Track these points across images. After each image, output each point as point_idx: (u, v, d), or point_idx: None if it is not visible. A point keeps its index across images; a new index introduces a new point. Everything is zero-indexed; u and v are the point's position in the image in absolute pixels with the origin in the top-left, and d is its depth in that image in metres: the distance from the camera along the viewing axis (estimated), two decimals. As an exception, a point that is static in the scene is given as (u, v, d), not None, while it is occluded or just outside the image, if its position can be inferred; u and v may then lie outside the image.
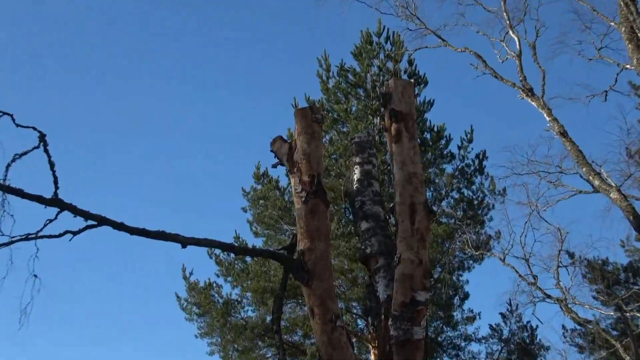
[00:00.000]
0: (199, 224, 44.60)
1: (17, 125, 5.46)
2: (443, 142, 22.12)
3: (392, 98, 5.91)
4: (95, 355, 41.82)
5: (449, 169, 22.26)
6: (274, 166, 5.98)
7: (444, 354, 23.39)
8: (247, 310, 23.22)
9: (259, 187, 22.96)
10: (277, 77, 53.73)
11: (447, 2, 34.87)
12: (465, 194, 22.36)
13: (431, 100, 22.12)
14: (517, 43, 20.61)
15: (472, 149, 22.24)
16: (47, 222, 5.23)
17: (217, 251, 22.85)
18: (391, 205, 6.00)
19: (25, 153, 5.38)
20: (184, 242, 5.37)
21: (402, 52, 21.95)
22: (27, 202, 5.20)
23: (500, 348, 24.51)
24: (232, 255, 22.43)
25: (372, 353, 21.29)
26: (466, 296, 23.39)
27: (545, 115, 19.09)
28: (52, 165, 5.37)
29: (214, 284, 23.14)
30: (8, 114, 5.45)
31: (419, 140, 8.66)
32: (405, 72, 21.83)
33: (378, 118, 21.05)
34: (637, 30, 17.05)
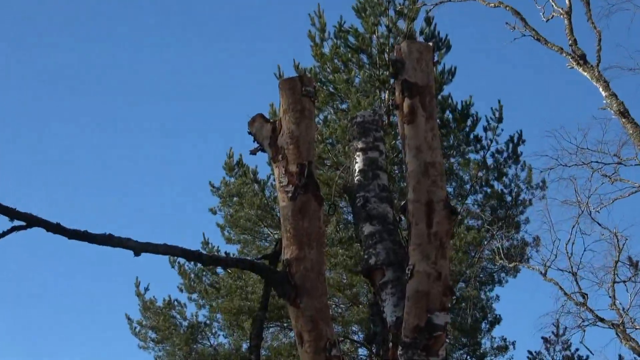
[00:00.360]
0: (156, 227, 44.59)
1: None
2: (469, 123, 22.12)
3: (405, 66, 5.91)
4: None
5: (476, 158, 22.25)
6: (253, 152, 5.97)
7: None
8: (218, 335, 23.30)
9: (232, 180, 22.91)
10: (257, 37, 53.65)
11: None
12: (496, 188, 22.37)
13: (454, 70, 22.11)
14: (567, -4, 20.69)
15: (503, 130, 22.20)
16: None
17: (181, 260, 22.89)
18: (402, 203, 6.00)
19: None
20: (137, 248, 5.36)
21: (417, 7, 21.95)
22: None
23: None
24: (200, 265, 22.46)
25: (376, 391, 21.37)
26: (497, 320, 23.45)
27: (600, 89, 19.16)
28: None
29: (176, 302, 23.19)
30: None
31: (438, 120, 8.66)
32: (421, 33, 21.84)
33: (387, 92, 21.06)
34: None
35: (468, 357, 23.41)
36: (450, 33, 21.67)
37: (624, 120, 18.52)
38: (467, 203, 22.21)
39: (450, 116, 22.07)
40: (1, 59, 53.82)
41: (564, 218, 30.58)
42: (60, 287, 46.88)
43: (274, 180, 5.78)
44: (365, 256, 6.44)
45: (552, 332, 24.82)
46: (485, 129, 22.07)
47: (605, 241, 22.55)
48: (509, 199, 22.39)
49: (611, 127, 25.32)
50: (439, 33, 21.98)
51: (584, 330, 22.35)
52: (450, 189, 21.86)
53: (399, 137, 5.33)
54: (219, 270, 22.74)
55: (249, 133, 5.93)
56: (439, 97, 21.46)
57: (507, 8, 21.05)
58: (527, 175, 22.64)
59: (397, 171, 20.74)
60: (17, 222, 5.24)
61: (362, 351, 22.64)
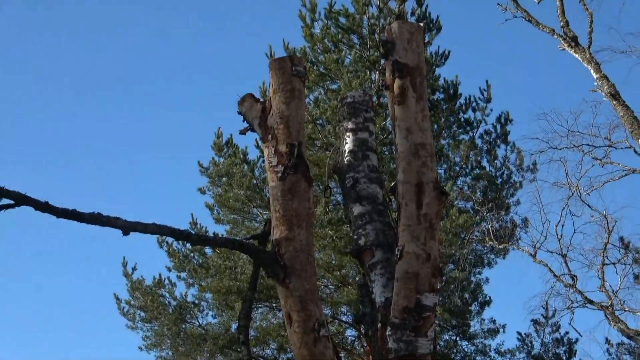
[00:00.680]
0: (145, 206, 44.56)
1: None
2: (459, 104, 22.12)
3: (396, 47, 5.90)
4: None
5: (466, 138, 22.25)
6: (242, 132, 5.96)
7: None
8: (207, 315, 23.32)
9: (221, 160, 22.87)
10: (247, 17, 53.51)
11: None
12: (487, 170, 22.41)
13: (445, 52, 22.10)
14: (558, -23, 20.65)
15: (492, 110, 22.23)
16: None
17: (169, 240, 22.89)
18: (392, 184, 6.01)
19: None
20: (126, 227, 5.36)
21: (408, -13, 21.90)
22: None
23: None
24: (188, 245, 22.45)
25: (365, 371, 21.41)
26: (487, 302, 23.51)
27: (591, 71, 19.16)
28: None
29: (165, 282, 23.17)
30: None
31: (428, 101, 8.66)
32: (412, 13, 21.80)
33: (377, 73, 21.03)
34: None
35: (457, 338, 23.47)
36: (441, 14, 21.69)
37: (614, 102, 18.52)
38: (458, 184, 22.23)
39: (441, 97, 22.07)
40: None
41: (554, 200, 30.71)
42: (47, 268, 46.89)
43: (264, 160, 5.77)
44: (355, 237, 6.43)
45: (542, 315, 24.90)
46: (474, 109, 22.09)
47: (595, 223, 22.63)
48: (499, 180, 22.43)
49: (602, 109, 25.39)
50: (430, 14, 21.98)
51: (573, 312, 22.47)
52: (440, 171, 21.88)
53: (389, 118, 5.32)
54: (208, 250, 22.75)
55: (239, 113, 5.91)
56: (430, 78, 21.44)
57: (499, -12, 21.03)
58: (517, 157, 22.68)
59: (386, 152, 20.73)
60: (5, 201, 5.22)
61: (351, 332, 22.70)
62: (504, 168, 22.57)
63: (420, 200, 5.64)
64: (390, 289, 5.89)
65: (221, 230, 23.33)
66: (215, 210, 23.13)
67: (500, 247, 21.98)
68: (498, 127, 22.33)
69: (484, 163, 22.48)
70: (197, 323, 23.11)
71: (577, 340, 24.87)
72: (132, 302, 23.38)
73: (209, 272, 22.13)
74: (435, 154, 5.93)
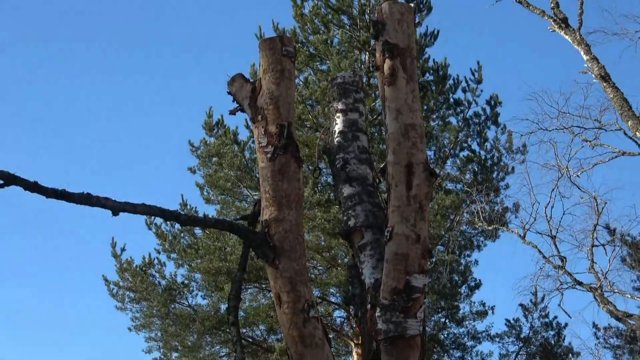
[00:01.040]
0: (135, 187, 44.49)
1: None
2: (449, 85, 22.12)
3: (386, 27, 5.90)
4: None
5: (456, 121, 22.27)
6: (232, 113, 5.95)
7: (446, 355, 23.65)
8: (196, 296, 23.34)
9: (212, 140, 22.86)
10: (238, -2, 53.33)
11: None
12: (477, 153, 22.44)
13: (435, 32, 22.09)
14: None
15: (482, 91, 22.24)
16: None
17: (159, 221, 22.88)
18: (382, 165, 6.00)
19: None
20: (115, 207, 5.35)
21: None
22: None
23: (517, 349, 24.82)
24: (178, 226, 22.44)
25: (354, 352, 21.47)
26: (477, 285, 23.60)
27: (582, 53, 19.14)
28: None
29: (154, 262, 23.17)
30: None
31: (418, 82, 8.65)
32: (403, -6, 21.73)
33: (367, 53, 21.01)
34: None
35: (447, 321, 23.56)
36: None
37: (604, 84, 18.52)
38: (447, 166, 22.27)
39: (431, 78, 22.07)
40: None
41: (544, 182, 30.74)
42: (37, 249, 46.82)
43: (254, 141, 5.76)
44: (344, 218, 6.43)
45: (530, 301, 25.01)
46: (464, 90, 22.10)
47: (584, 205, 22.69)
48: (489, 162, 22.46)
49: (593, 91, 25.38)
50: (420, -6, 21.94)
51: (562, 294, 22.54)
52: (430, 152, 21.90)
53: (379, 99, 5.33)
54: (198, 231, 22.76)
55: (229, 93, 5.89)
56: (420, 59, 21.43)
57: (489, -31, 20.99)
58: (508, 139, 22.71)
59: (376, 133, 20.74)
60: (-6, 181, 5.20)
61: (340, 313, 22.77)
62: (494, 150, 22.60)
63: (410, 181, 5.64)
64: (379, 270, 5.89)
65: (211, 210, 23.37)
66: (205, 191, 23.15)
67: (490, 228, 22.03)
68: (488, 109, 22.36)
69: (474, 146, 22.52)
70: (187, 304, 23.13)
71: (566, 325, 25.02)
72: (121, 284, 23.38)
73: (198, 252, 22.14)
74: (425, 135, 5.93)
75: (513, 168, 22.82)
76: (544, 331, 25.08)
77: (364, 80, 19.62)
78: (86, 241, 46.07)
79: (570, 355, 24.95)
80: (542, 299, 24.68)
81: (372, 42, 6.27)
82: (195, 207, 23.09)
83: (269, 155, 5.53)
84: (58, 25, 54.54)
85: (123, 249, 23.30)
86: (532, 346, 24.89)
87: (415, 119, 5.76)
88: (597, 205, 22.06)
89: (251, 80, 5.84)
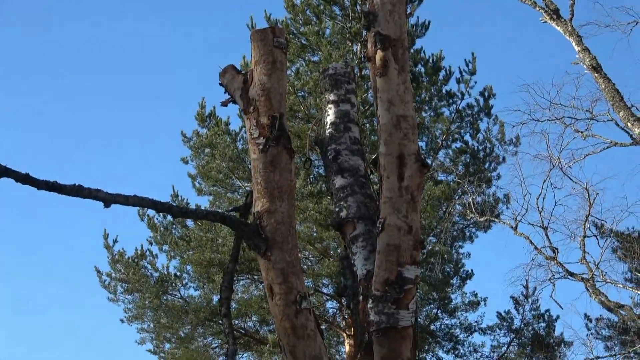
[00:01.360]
0: (127, 178, 44.43)
1: None
2: (441, 77, 22.13)
3: (378, 18, 5.89)
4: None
5: (448, 112, 22.29)
6: (224, 104, 5.94)
7: (437, 347, 23.69)
8: (189, 287, 23.34)
9: (204, 131, 22.85)
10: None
11: None
12: (470, 144, 22.46)
13: (427, 23, 22.07)
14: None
15: (476, 82, 22.26)
16: None
17: (151, 212, 22.87)
18: (374, 156, 6.00)
19: None
20: (107, 199, 5.34)
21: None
22: None
23: (509, 340, 24.87)
24: (170, 217, 22.43)
25: (346, 343, 21.51)
26: (469, 275, 23.63)
27: (573, 44, 19.13)
28: None
29: (146, 254, 23.16)
30: None
31: (410, 74, 8.65)
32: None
33: (359, 44, 20.99)
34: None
35: (439, 311, 23.60)
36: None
37: (596, 75, 18.52)
38: (439, 157, 22.28)
39: (423, 70, 22.07)
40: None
41: (536, 173, 30.80)
42: (29, 241, 46.77)
43: (246, 132, 5.75)
44: (337, 209, 6.43)
45: (522, 293, 25.05)
46: (458, 81, 22.11)
47: (576, 196, 22.70)
48: (481, 154, 22.48)
49: (584, 82, 25.39)
50: (412, -15, 21.91)
51: (554, 284, 22.55)
52: (422, 143, 21.91)
53: (370, 90, 5.33)
54: (190, 223, 22.76)
55: (220, 84, 5.89)
56: (411, 50, 21.43)
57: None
58: (500, 130, 22.73)
59: (368, 124, 20.74)
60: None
61: (332, 304, 22.78)
62: (486, 142, 22.62)
63: (401, 172, 5.64)
64: (371, 262, 5.90)
65: (203, 201, 23.37)
66: (197, 181, 23.14)
67: (482, 219, 22.04)
68: (481, 100, 22.37)
69: (467, 137, 22.55)
70: (179, 295, 23.13)
71: (557, 316, 25.06)
72: (114, 275, 23.38)
73: (190, 244, 22.14)
74: (416, 126, 5.93)
75: (505, 159, 22.88)
76: (535, 323, 25.11)
77: (356, 71, 19.60)
78: (79, 233, 46.00)
79: (562, 345, 25.01)
80: (534, 290, 24.72)
81: (364, 33, 6.26)
82: (187, 199, 23.11)
83: (260, 147, 5.52)
84: (45, 10, 54.38)
85: (115, 241, 23.31)
86: (523, 337, 24.93)
87: (407, 110, 5.76)
88: (589, 196, 22.05)
89: (243, 71, 5.83)
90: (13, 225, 47.30)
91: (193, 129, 22.97)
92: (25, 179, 5.16)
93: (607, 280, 22.12)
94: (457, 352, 23.85)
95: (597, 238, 22.91)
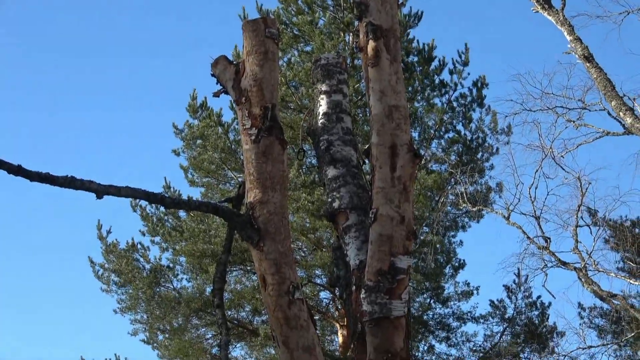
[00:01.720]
0: (118, 169, 44.37)
1: None
2: (434, 67, 22.12)
3: (370, 8, 5.88)
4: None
5: (441, 102, 22.29)
6: (216, 95, 5.93)
7: (431, 336, 23.73)
8: (181, 279, 23.33)
9: (196, 122, 22.81)
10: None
11: None
12: (462, 134, 22.48)
13: (419, 13, 22.06)
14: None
15: (469, 73, 22.27)
16: None
17: (143, 203, 22.83)
18: (366, 146, 6.00)
19: None
20: (100, 190, 5.33)
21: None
22: None
23: (502, 329, 24.90)
24: (162, 208, 22.42)
25: (339, 333, 21.54)
26: (461, 265, 23.66)
27: (565, 33, 19.12)
28: None
29: (139, 245, 23.16)
30: None
31: (402, 64, 8.64)
32: (386, -25, 21.65)
33: (351, 34, 20.97)
34: None
35: (432, 301, 23.62)
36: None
37: (588, 64, 18.52)
38: (432, 147, 22.28)
39: (415, 60, 22.06)
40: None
41: (528, 162, 30.80)
42: (19, 233, 46.70)
43: (238, 123, 5.73)
44: (329, 199, 6.44)
45: (514, 282, 25.08)
46: (450, 72, 22.11)
47: (569, 185, 22.71)
48: (474, 144, 22.49)
49: (576, 72, 25.41)
50: (403, -25, 21.87)
51: (546, 274, 22.57)
52: (415, 134, 21.91)
53: (363, 80, 5.34)
54: (182, 214, 22.74)
55: (212, 75, 5.87)
56: (403, 40, 21.41)
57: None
58: (492, 120, 22.75)
59: (360, 115, 20.73)
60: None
61: (325, 294, 22.79)
62: (478, 131, 22.64)
63: (394, 162, 5.64)
64: (364, 252, 5.90)
65: (195, 193, 23.34)
66: (189, 173, 23.12)
67: (474, 209, 22.07)
68: (474, 90, 22.38)
69: (459, 127, 22.56)
70: (172, 286, 23.12)
71: (549, 304, 25.09)
72: (107, 266, 23.37)
73: (182, 235, 22.12)
74: (409, 116, 5.93)
75: (497, 149, 22.90)
76: (528, 311, 25.13)
77: (348, 61, 19.58)
78: (71, 224, 45.95)
79: (555, 334, 25.05)
80: (526, 279, 24.73)
81: (356, 23, 6.25)
82: (179, 190, 23.08)
83: (253, 138, 5.51)
84: (36, 4, 54.26)
85: (109, 232, 23.29)
86: (516, 326, 24.96)
87: (399, 100, 5.76)
88: (581, 185, 22.06)
89: (235, 62, 5.82)
90: (5, 219, 47.24)
91: (184, 120, 22.95)
92: (17, 170, 5.15)
93: (600, 270, 22.16)
94: (450, 341, 23.90)
95: (589, 227, 22.94)
